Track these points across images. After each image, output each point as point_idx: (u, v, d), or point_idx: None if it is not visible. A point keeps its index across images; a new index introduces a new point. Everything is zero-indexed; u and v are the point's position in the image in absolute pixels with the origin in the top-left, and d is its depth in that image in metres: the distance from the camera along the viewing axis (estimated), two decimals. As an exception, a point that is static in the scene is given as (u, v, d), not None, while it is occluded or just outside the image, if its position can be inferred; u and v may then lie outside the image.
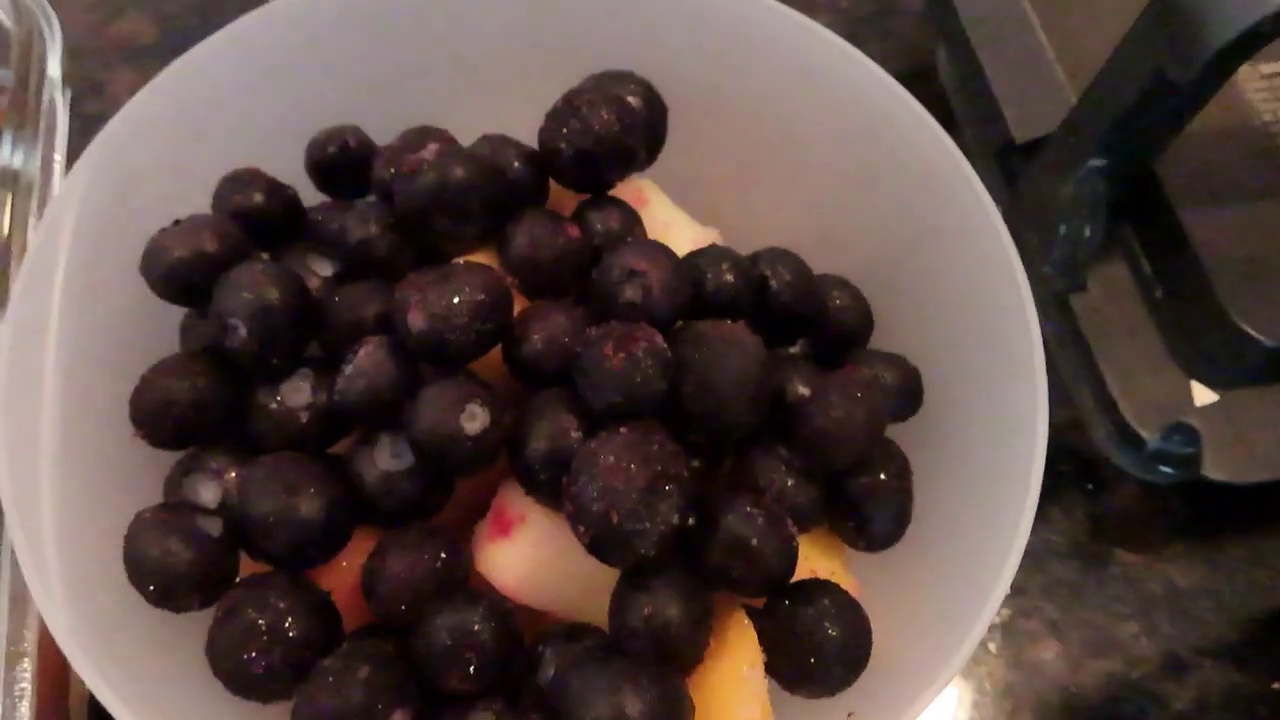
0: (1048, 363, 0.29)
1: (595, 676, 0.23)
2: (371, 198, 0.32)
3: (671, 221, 0.34)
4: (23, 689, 0.23)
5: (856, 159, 0.34)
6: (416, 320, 0.26)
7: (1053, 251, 0.38)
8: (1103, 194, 0.37)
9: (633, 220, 0.31)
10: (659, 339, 0.26)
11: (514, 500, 0.27)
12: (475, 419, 0.26)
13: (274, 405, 0.28)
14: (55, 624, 0.23)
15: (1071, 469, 0.40)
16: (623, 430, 0.25)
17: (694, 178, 0.36)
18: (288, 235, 0.31)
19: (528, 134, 0.32)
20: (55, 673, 0.22)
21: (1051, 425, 0.28)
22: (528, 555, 0.27)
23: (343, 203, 0.33)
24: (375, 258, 0.30)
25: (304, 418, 0.28)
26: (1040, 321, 0.29)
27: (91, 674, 0.23)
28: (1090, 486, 0.40)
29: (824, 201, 0.35)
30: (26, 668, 0.23)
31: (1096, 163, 0.37)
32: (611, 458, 0.24)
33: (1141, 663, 0.37)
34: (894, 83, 0.33)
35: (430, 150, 0.29)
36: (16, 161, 0.28)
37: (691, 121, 0.35)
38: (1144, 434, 0.37)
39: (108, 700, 0.23)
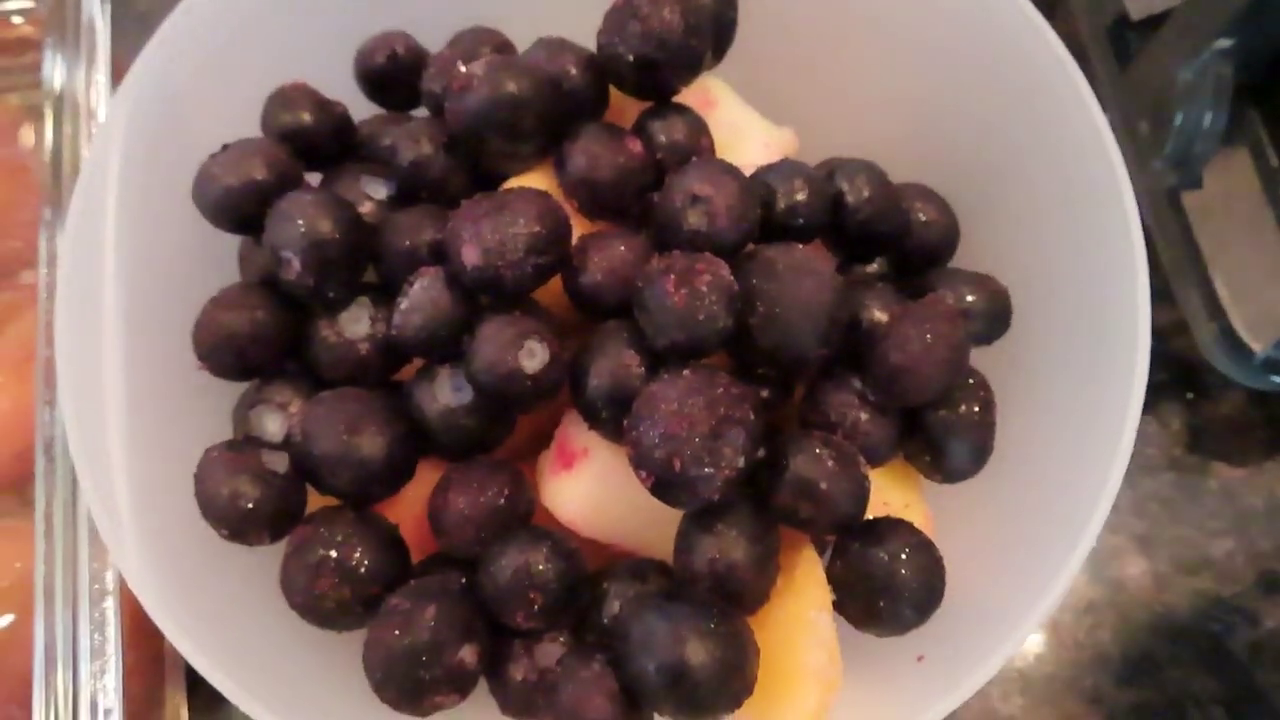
0: (1151, 262, 0.26)
1: (658, 623, 0.23)
2: (423, 111, 0.31)
3: (742, 123, 0.32)
4: (108, 626, 0.24)
5: (941, 47, 0.31)
6: (470, 255, 0.25)
7: (1167, 143, 0.35)
8: (1228, 79, 0.33)
9: (699, 130, 0.29)
10: (724, 271, 0.24)
11: (577, 433, 0.27)
12: (534, 356, 0.25)
13: (333, 337, 0.27)
14: (125, 564, 0.24)
15: (1170, 377, 0.38)
16: (685, 372, 0.24)
17: (766, 72, 0.33)
18: (339, 155, 0.30)
19: (587, 36, 0.29)
20: (139, 609, 0.23)
21: (1152, 329, 0.26)
22: (591, 489, 0.26)
23: (394, 115, 0.31)
24: (429, 179, 0.28)
25: (364, 349, 0.27)
26: (1148, 219, 0.26)
27: (161, 613, 0.23)
28: (1190, 395, 0.38)
29: (906, 96, 0.33)
30: (110, 605, 0.24)
31: (1223, 43, 0.33)
32: (673, 402, 0.23)
33: (1234, 580, 0.36)
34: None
35: (480, 63, 0.27)
36: (58, 79, 0.27)
37: (762, 9, 0.33)
38: (1253, 344, 0.34)
39: (175, 637, 0.23)
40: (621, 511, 0.27)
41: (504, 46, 0.31)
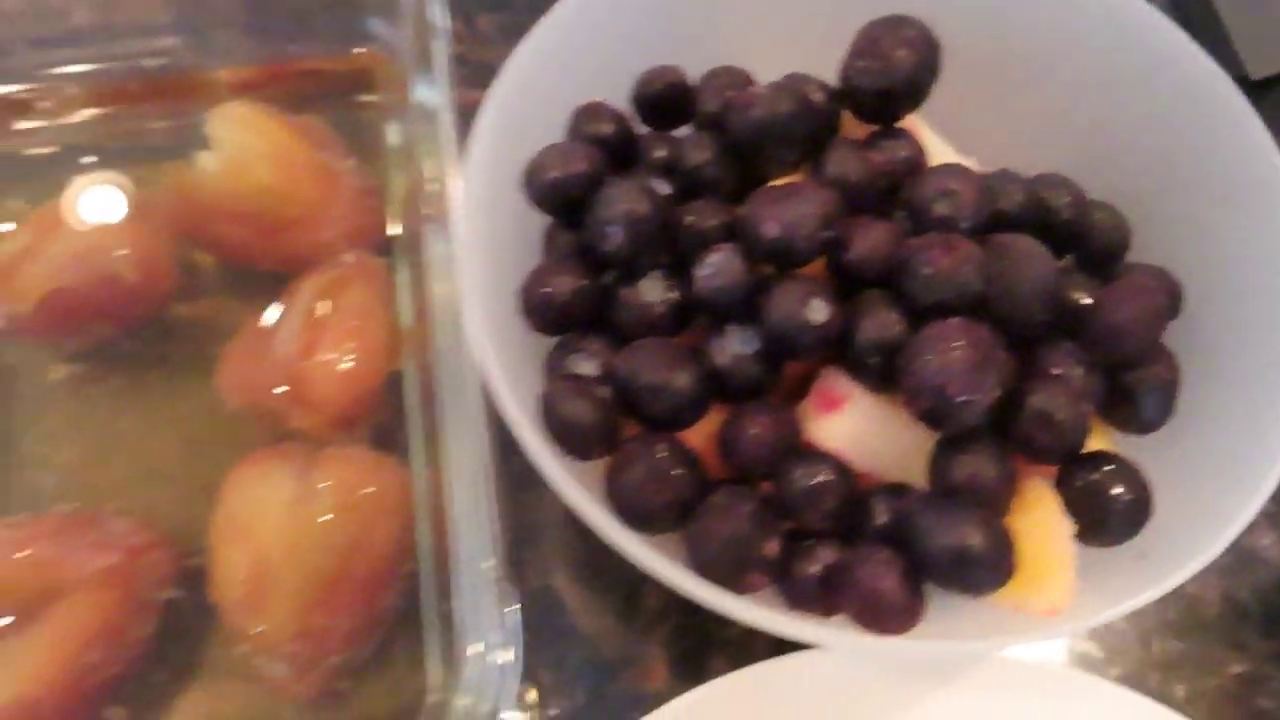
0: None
1: (939, 515, 0.29)
2: (685, 129, 0.38)
3: (937, 152, 0.39)
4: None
5: (1105, 80, 0.38)
6: (771, 229, 0.31)
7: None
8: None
9: (918, 150, 0.36)
10: (974, 247, 0.31)
11: (838, 382, 0.33)
12: (820, 311, 0.31)
13: (634, 300, 0.34)
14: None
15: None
16: (952, 320, 0.30)
17: (951, 111, 0.40)
18: (627, 160, 0.36)
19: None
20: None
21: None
22: (854, 426, 0.32)
23: (660, 133, 0.38)
24: (706, 180, 0.35)
25: (660, 310, 0.33)
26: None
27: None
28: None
29: (1076, 130, 0.39)
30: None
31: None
32: (946, 342, 0.29)
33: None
34: (1148, 7, 0.36)
35: (762, 86, 0.34)
36: (429, 98, 0.34)
37: (950, 57, 0.40)
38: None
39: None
40: (877, 445, 0.32)
41: (749, 80, 0.38)
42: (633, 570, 0.39)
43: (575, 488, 0.28)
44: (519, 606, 0.30)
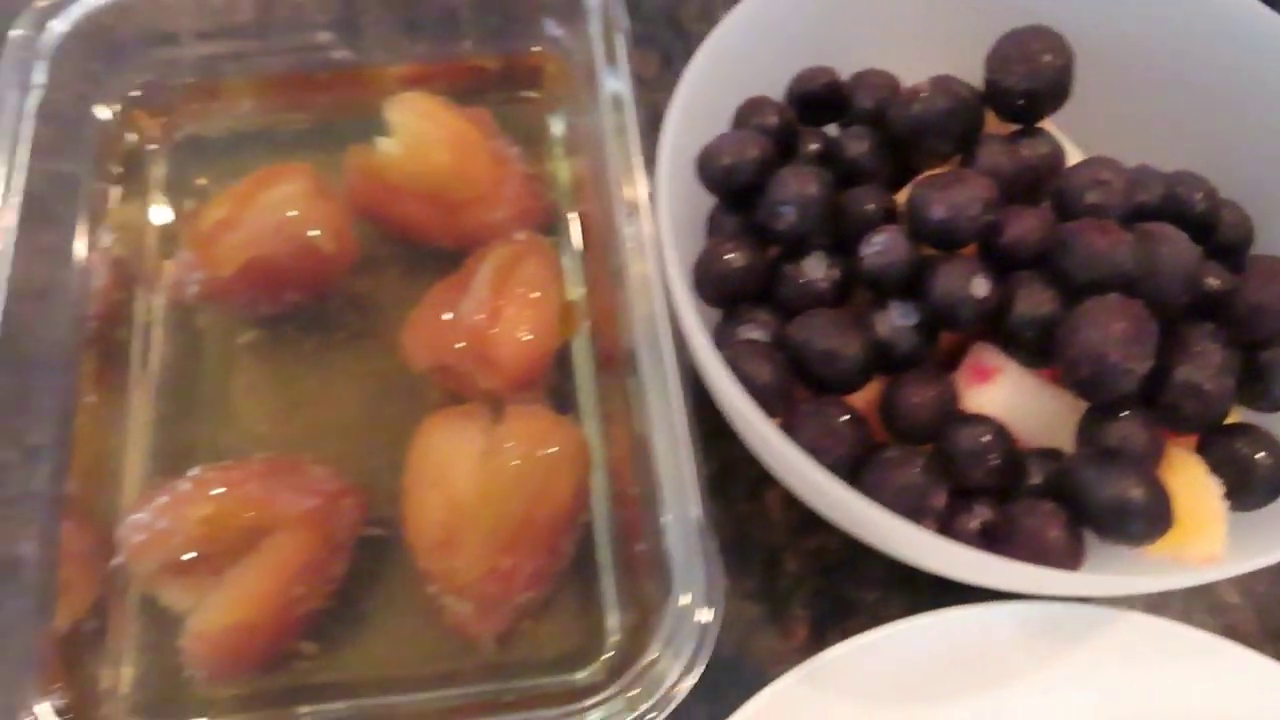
0: None
1: (1102, 471, 0.31)
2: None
3: (1068, 150, 0.42)
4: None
5: (1224, 83, 0.41)
6: (938, 210, 0.34)
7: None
8: None
9: (1059, 147, 0.39)
10: (1125, 232, 0.34)
11: (990, 356, 0.36)
12: (982, 287, 0.34)
13: (799, 277, 0.36)
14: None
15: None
16: (1110, 296, 0.32)
17: (1075, 114, 0.43)
18: (788, 151, 0.39)
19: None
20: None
21: None
22: (1005, 396, 0.35)
23: (812, 128, 0.41)
24: (863, 169, 0.38)
25: (823, 286, 0.36)
26: None
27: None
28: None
29: (1194, 133, 0.42)
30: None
31: None
32: (1104, 315, 0.32)
33: None
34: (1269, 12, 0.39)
35: (924, 83, 0.37)
36: (618, 89, 0.37)
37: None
38: None
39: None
40: (1026, 413, 0.35)
41: (896, 82, 0.41)
42: (772, 535, 0.42)
43: (777, 433, 0.31)
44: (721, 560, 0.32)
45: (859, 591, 0.41)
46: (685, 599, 0.30)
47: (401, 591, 0.37)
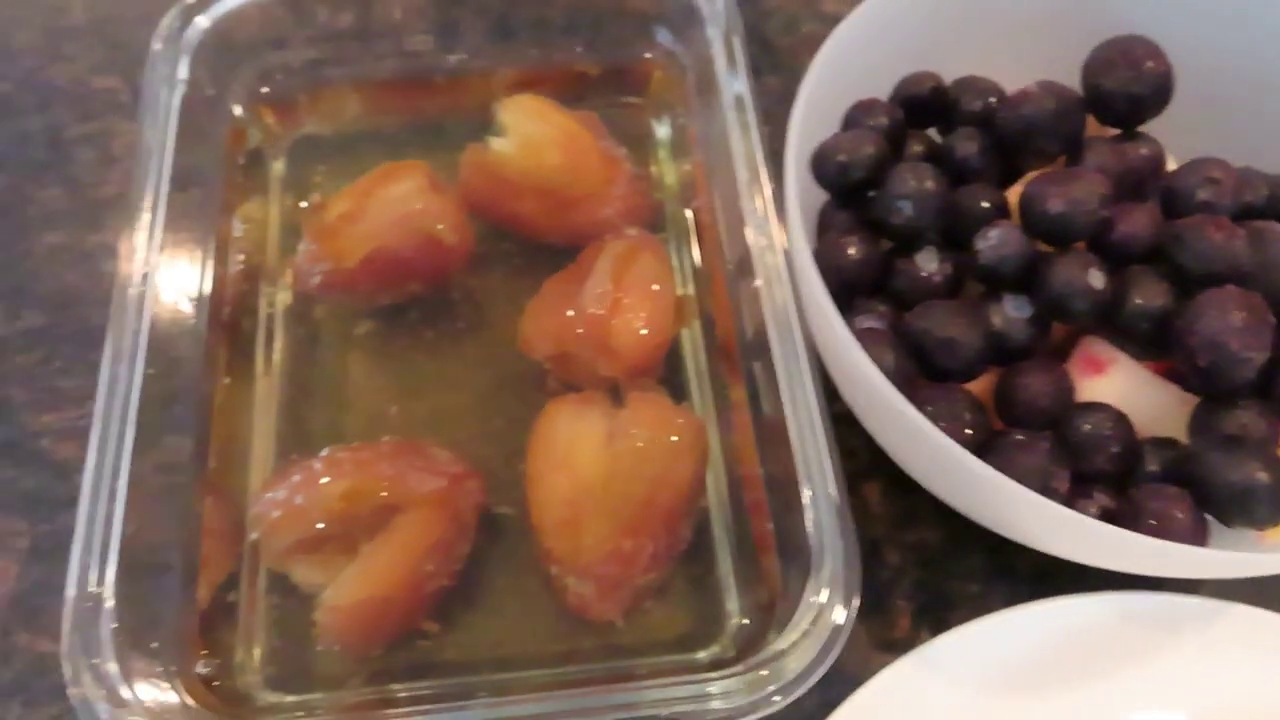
0: None
1: (1226, 456, 0.32)
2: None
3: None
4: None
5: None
6: (1055, 205, 0.35)
7: None
8: None
9: (1160, 150, 0.40)
10: (1238, 227, 0.35)
11: (1101, 349, 0.37)
12: (1097, 279, 0.35)
13: (913, 270, 0.38)
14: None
15: None
16: (1228, 287, 0.33)
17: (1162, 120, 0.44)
18: (896, 151, 0.41)
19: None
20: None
21: None
22: (1119, 386, 0.36)
23: (916, 130, 0.42)
24: (972, 169, 0.39)
25: (936, 279, 0.37)
26: None
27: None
28: None
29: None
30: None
31: None
32: (1228, 304, 0.33)
33: None
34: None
35: (1033, 84, 0.38)
36: (739, 89, 0.38)
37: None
38: None
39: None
40: (1137, 404, 0.36)
41: (999, 88, 0.42)
42: (872, 528, 0.42)
43: (915, 411, 0.32)
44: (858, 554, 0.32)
45: (959, 584, 0.42)
46: (823, 582, 0.31)
47: (518, 573, 0.38)
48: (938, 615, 0.41)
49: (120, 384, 0.33)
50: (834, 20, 0.57)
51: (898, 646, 0.41)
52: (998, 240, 0.36)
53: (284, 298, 0.43)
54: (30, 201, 0.51)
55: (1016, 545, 0.40)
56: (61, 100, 0.54)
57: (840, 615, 0.31)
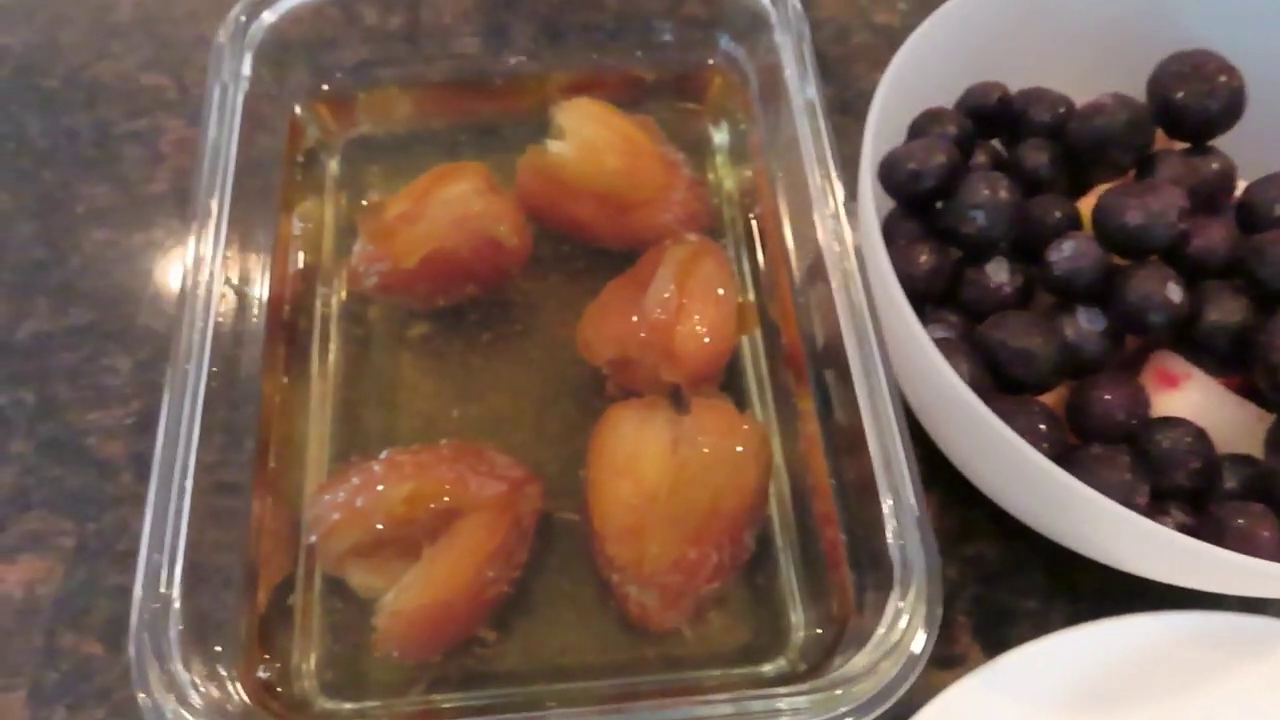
0: None
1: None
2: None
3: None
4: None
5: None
6: (1134, 217, 0.35)
7: None
8: None
9: (1231, 164, 0.40)
10: (1320, 243, 0.34)
11: (1175, 363, 0.36)
12: (1176, 293, 0.34)
13: (983, 281, 0.37)
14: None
15: None
16: (1310, 303, 0.33)
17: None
18: (965, 160, 0.40)
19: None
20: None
21: None
22: (1194, 402, 0.35)
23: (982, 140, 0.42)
24: (1041, 179, 0.39)
25: (1007, 290, 0.37)
26: None
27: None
28: None
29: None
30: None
31: None
32: (1308, 321, 0.32)
33: None
34: None
35: (1107, 95, 0.38)
36: (810, 94, 0.38)
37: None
38: None
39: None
40: (1211, 420, 0.35)
41: (1066, 99, 0.42)
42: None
43: (997, 420, 0.31)
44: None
45: (1020, 600, 0.41)
46: (906, 598, 0.30)
47: (575, 580, 0.38)
48: (997, 632, 0.41)
49: (189, 381, 0.33)
50: (885, 31, 0.57)
51: (955, 662, 0.40)
52: (1073, 251, 0.36)
53: (338, 298, 0.43)
54: (78, 198, 0.51)
55: (1077, 562, 0.39)
56: (109, 97, 0.54)
57: (920, 639, 0.30)
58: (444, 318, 0.43)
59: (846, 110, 0.51)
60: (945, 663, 0.40)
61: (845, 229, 0.35)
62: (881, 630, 0.30)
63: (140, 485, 0.43)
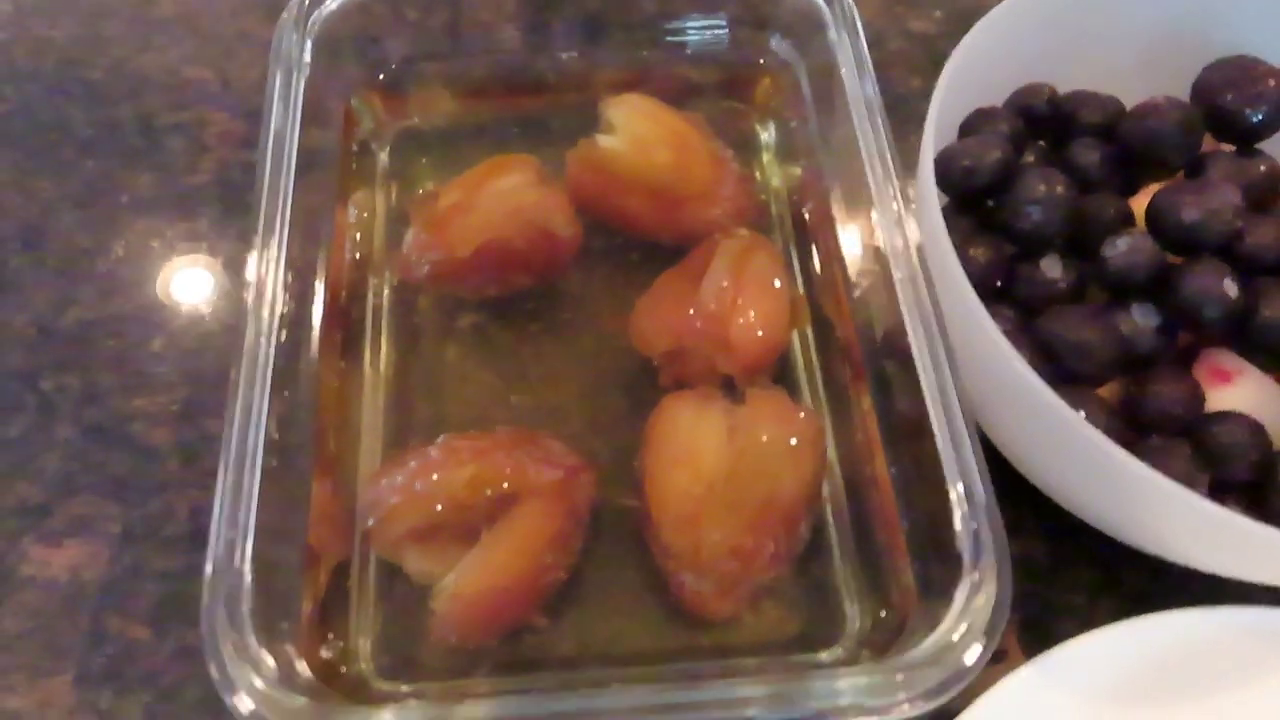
0: None
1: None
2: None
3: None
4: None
5: None
6: (1190, 214, 0.35)
7: None
8: None
9: (1277, 166, 0.40)
10: (1373, 241, 0.35)
11: (1227, 359, 0.37)
12: (1232, 288, 0.35)
13: (1037, 276, 0.38)
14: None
15: None
16: (1368, 301, 0.33)
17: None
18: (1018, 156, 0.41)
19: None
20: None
21: None
22: (1247, 397, 0.36)
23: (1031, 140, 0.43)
24: (1093, 178, 0.39)
25: (1061, 285, 0.37)
26: None
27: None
28: None
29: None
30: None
31: None
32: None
33: None
34: None
35: (1160, 98, 0.38)
36: (869, 92, 0.38)
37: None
38: None
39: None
40: (1267, 415, 0.36)
41: (1117, 101, 0.42)
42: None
43: (1064, 404, 0.31)
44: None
45: (1065, 596, 0.41)
46: (977, 587, 0.30)
47: (626, 568, 0.38)
48: (1043, 627, 0.41)
49: (258, 363, 0.33)
50: (919, 38, 0.58)
51: (1001, 656, 0.40)
52: (1128, 248, 0.36)
53: (389, 288, 0.43)
54: (121, 188, 0.51)
55: (1124, 558, 0.40)
56: (152, 89, 0.54)
57: (991, 624, 0.30)
58: (494, 308, 0.43)
59: (889, 113, 0.51)
60: (992, 657, 0.40)
61: (909, 225, 0.35)
62: (950, 618, 0.30)
63: (186, 471, 0.43)
